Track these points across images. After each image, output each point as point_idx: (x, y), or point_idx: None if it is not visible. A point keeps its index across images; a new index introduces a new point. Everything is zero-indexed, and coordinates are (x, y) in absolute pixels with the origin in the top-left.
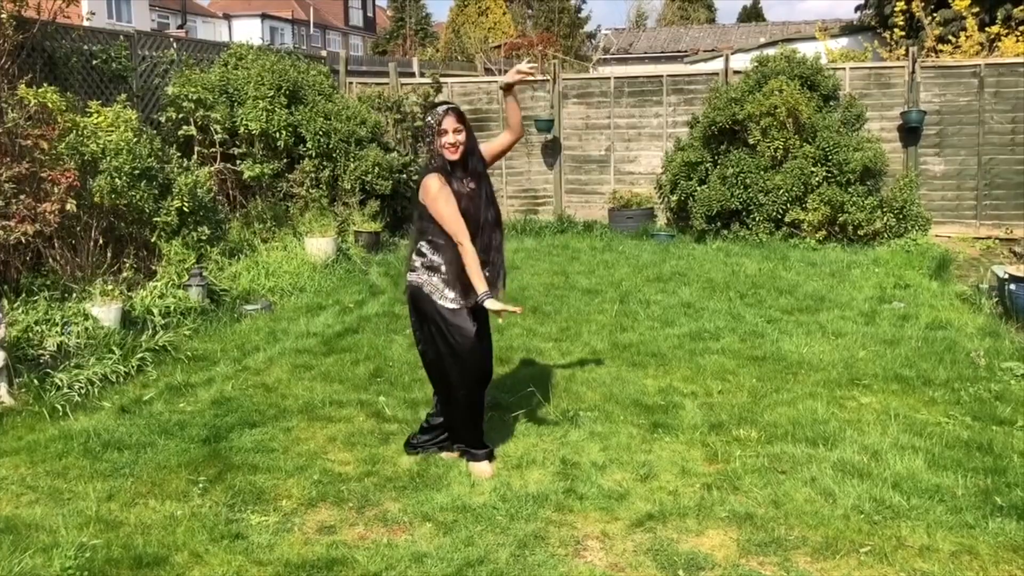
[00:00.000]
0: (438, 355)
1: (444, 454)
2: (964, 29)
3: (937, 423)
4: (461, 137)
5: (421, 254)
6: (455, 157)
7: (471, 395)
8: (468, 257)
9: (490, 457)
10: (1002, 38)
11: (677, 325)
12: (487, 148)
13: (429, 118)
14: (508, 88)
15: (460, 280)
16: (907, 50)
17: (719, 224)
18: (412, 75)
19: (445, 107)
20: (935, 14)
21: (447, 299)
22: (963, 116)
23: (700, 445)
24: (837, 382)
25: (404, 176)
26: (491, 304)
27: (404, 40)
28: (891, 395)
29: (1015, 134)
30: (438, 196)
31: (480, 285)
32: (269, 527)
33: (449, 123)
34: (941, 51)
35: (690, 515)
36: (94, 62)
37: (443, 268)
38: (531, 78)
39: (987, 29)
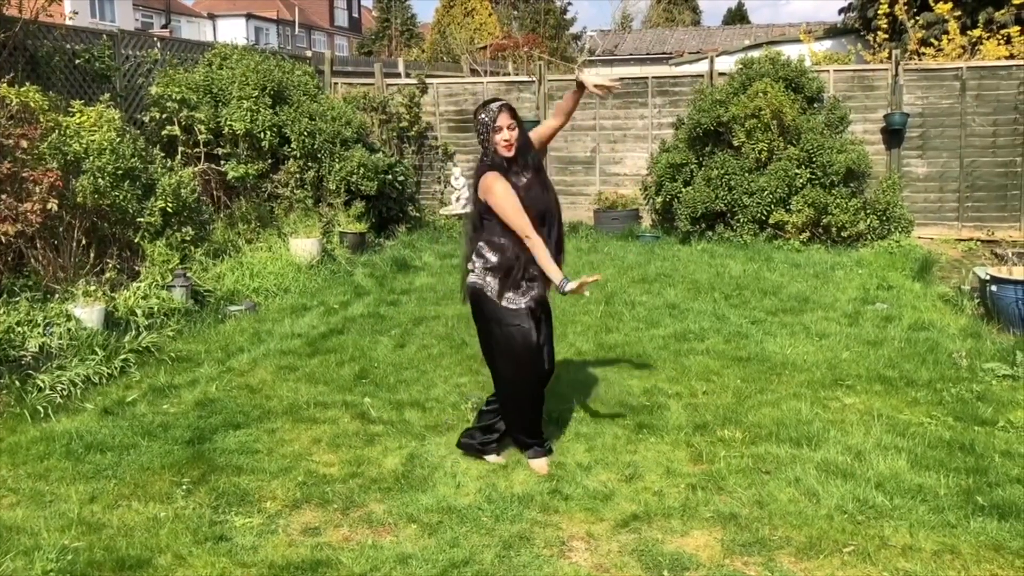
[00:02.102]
0: (496, 354)
1: (489, 457)
2: (946, 32)
3: (920, 423)
4: (515, 134)
5: (481, 255)
6: (510, 154)
7: (526, 393)
8: (537, 249)
9: (548, 452)
10: (984, 41)
11: (662, 326)
12: (536, 135)
13: (483, 115)
14: (581, 85)
15: (518, 280)
16: (890, 53)
17: (704, 225)
18: (398, 76)
19: (498, 104)
20: (918, 17)
21: (506, 300)
22: (945, 119)
23: (685, 446)
24: (821, 383)
25: (389, 177)
26: (571, 286)
27: (390, 41)
28: (874, 396)
29: (996, 136)
30: (500, 192)
31: (555, 274)
32: (253, 529)
33: (504, 120)
34: (924, 54)
35: (675, 515)
36: (77, 61)
37: (503, 269)
38: (608, 88)
39: (969, 32)
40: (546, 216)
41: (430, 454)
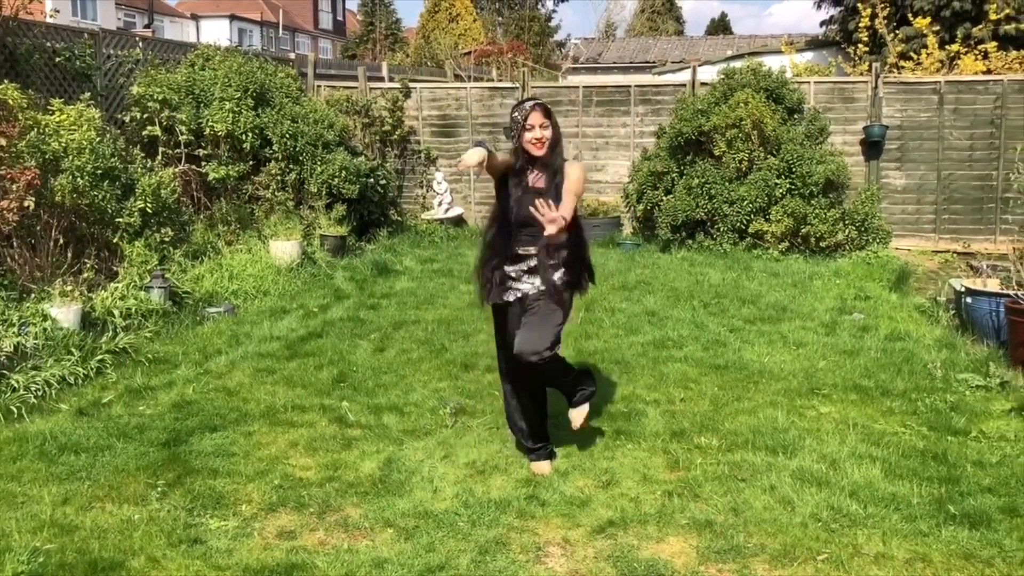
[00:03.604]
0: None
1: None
2: (925, 46)
3: (894, 433)
4: (548, 133)
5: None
6: (541, 153)
7: (509, 390)
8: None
9: (547, 456)
10: (961, 56)
11: (641, 333)
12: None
13: (515, 113)
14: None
15: (478, 278)
16: (870, 66)
17: (684, 234)
18: (381, 79)
19: (532, 102)
20: (898, 31)
21: (490, 296)
22: (923, 131)
23: (662, 452)
24: (797, 391)
25: (371, 181)
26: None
27: (374, 44)
28: (850, 405)
29: (973, 150)
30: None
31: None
32: (228, 532)
33: (536, 119)
34: (903, 67)
35: (651, 522)
36: (57, 60)
37: (476, 268)
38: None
39: (947, 47)
40: (525, 226)
41: (408, 459)
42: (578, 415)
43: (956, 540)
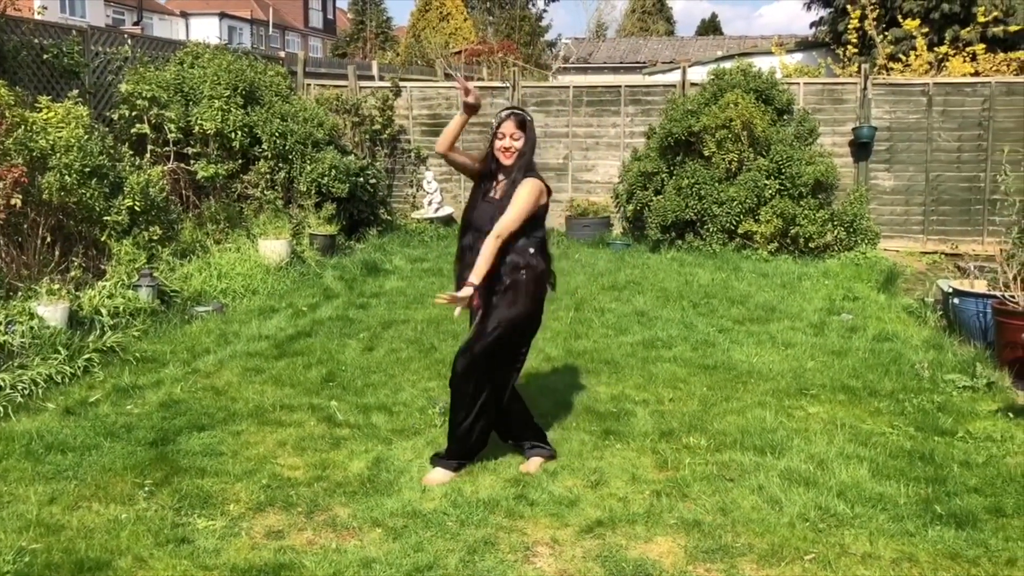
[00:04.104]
0: None
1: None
2: (914, 48)
3: (882, 433)
4: (518, 144)
5: None
6: (509, 162)
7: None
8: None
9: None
10: (950, 58)
11: (630, 333)
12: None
13: (494, 120)
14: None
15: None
16: (859, 67)
17: (674, 234)
18: (371, 78)
19: (508, 111)
20: (887, 33)
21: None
22: (912, 133)
23: (650, 452)
24: (786, 392)
25: (361, 179)
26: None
27: (364, 43)
28: (838, 405)
29: (961, 152)
30: None
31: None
32: (216, 531)
33: (508, 128)
34: (892, 69)
35: (639, 522)
36: (45, 56)
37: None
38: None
39: (936, 49)
40: (478, 230)
41: (396, 458)
42: (437, 475)
43: (943, 540)
